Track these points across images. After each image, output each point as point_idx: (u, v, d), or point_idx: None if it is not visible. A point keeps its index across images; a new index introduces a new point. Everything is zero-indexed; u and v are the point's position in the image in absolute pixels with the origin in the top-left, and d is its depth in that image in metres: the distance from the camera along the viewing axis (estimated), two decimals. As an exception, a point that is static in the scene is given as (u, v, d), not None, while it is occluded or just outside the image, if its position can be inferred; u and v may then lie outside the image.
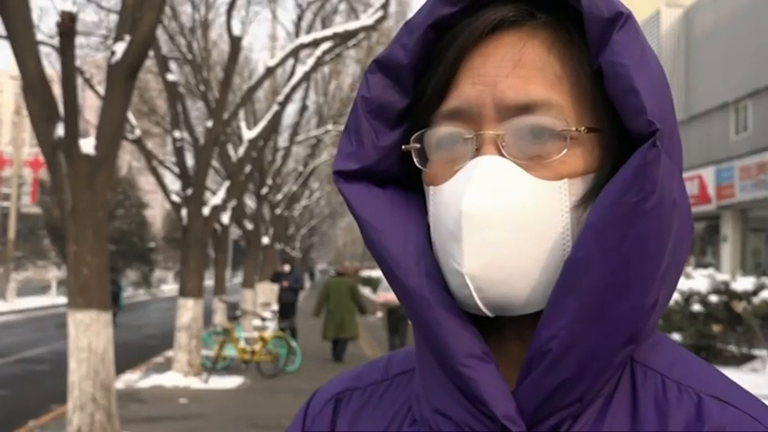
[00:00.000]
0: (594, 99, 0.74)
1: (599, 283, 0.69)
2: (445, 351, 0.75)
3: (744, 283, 12.54)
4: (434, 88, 0.77)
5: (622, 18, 0.71)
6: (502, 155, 0.73)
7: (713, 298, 12.39)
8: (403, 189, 0.83)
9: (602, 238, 0.69)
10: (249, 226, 24.72)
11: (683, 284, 12.91)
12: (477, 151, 0.74)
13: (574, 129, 0.73)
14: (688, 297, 12.70)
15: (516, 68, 0.74)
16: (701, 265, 19.22)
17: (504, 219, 0.71)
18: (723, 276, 13.12)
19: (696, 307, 12.44)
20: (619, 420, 0.74)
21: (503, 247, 0.72)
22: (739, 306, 12.11)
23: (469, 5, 0.77)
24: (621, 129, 0.73)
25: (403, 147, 0.80)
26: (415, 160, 0.79)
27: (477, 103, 0.75)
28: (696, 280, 12.94)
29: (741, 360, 12.22)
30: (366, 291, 32.57)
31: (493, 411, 0.72)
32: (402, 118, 0.82)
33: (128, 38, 7.73)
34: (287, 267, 18.94)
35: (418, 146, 0.79)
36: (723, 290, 12.50)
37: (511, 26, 0.76)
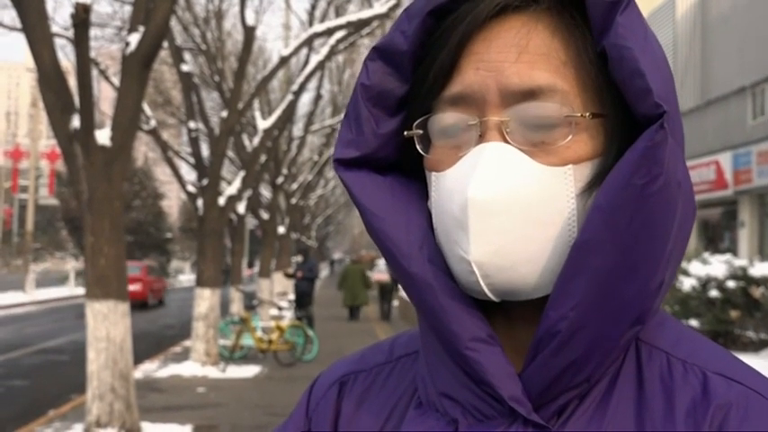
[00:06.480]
0: (598, 83, 0.74)
1: (607, 264, 0.70)
2: (450, 335, 0.75)
3: (762, 269, 12.46)
4: (437, 73, 0.76)
5: (625, 1, 0.71)
6: (506, 141, 0.73)
7: (731, 284, 12.33)
8: (403, 176, 0.83)
9: (611, 221, 0.69)
10: (265, 216, 24.76)
11: (701, 270, 12.84)
12: (481, 137, 0.74)
13: (579, 114, 0.73)
14: (705, 283, 12.64)
15: (522, 54, 0.73)
16: (718, 250, 19.10)
17: (511, 205, 0.71)
18: (741, 262, 13.03)
19: (714, 293, 12.38)
20: (625, 399, 0.74)
21: (509, 234, 0.71)
22: (757, 291, 12.05)
23: None
24: (624, 112, 0.73)
25: (405, 133, 0.80)
26: (417, 147, 0.79)
27: (480, 89, 0.74)
28: (713, 266, 12.86)
29: (759, 346, 12.16)
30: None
31: (499, 393, 0.73)
32: (401, 105, 0.81)
33: (142, 29, 7.75)
34: (300, 257, 19.01)
35: (421, 132, 0.78)
36: (741, 275, 12.43)
37: (514, 11, 0.75)
